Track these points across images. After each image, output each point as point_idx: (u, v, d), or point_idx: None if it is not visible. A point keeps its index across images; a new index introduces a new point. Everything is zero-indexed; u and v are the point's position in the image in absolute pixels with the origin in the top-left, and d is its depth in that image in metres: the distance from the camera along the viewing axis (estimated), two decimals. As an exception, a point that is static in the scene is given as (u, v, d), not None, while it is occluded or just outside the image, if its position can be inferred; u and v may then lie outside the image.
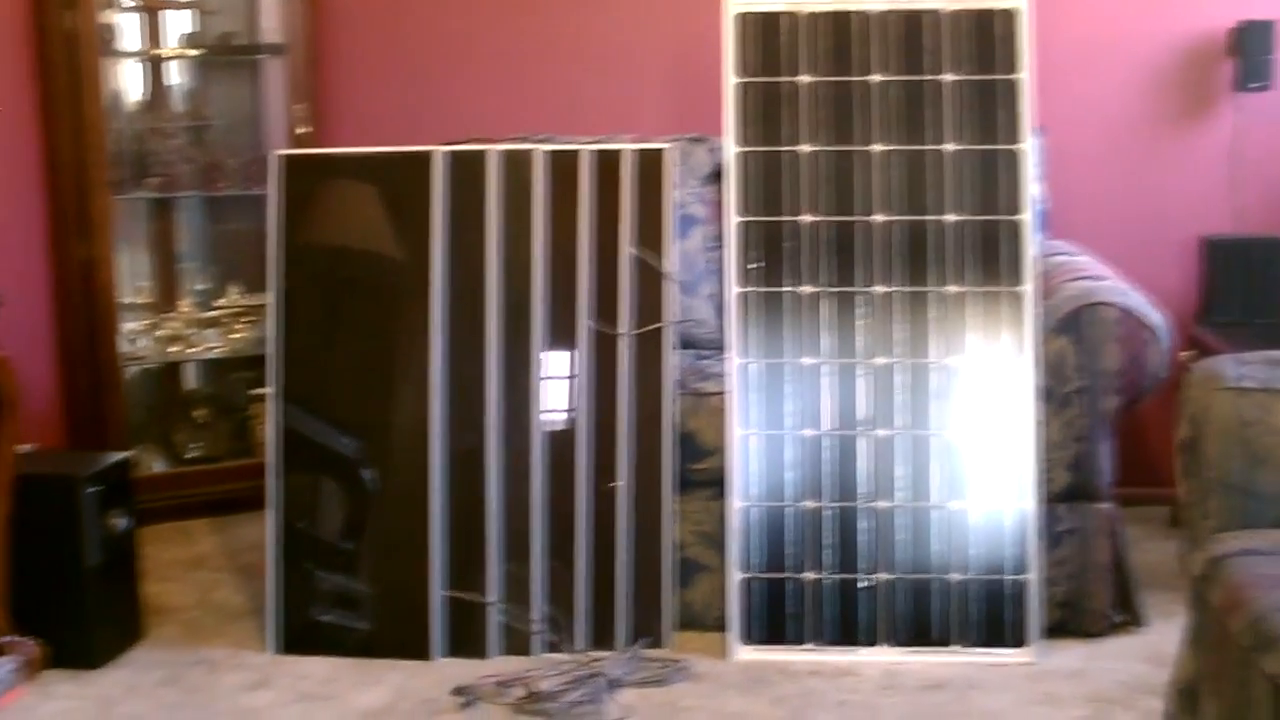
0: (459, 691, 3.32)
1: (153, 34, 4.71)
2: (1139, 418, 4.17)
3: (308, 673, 3.50)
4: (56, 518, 3.53)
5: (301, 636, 3.61)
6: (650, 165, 3.68)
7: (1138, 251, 4.41)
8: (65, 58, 4.35)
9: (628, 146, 3.70)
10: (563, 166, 3.68)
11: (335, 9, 4.81)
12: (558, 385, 3.64)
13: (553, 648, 3.56)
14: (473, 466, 3.61)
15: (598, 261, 3.65)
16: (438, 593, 3.57)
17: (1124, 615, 3.61)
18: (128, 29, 4.68)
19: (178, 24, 4.79)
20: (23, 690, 3.39)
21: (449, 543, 3.59)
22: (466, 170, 3.67)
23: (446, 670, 3.48)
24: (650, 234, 3.67)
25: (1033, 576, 3.47)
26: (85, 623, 3.55)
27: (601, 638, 3.58)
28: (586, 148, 3.70)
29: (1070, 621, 3.57)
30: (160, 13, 4.72)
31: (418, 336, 3.63)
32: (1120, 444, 3.84)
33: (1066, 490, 3.53)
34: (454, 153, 3.69)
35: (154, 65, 4.75)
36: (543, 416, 3.62)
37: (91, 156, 4.38)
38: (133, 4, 4.69)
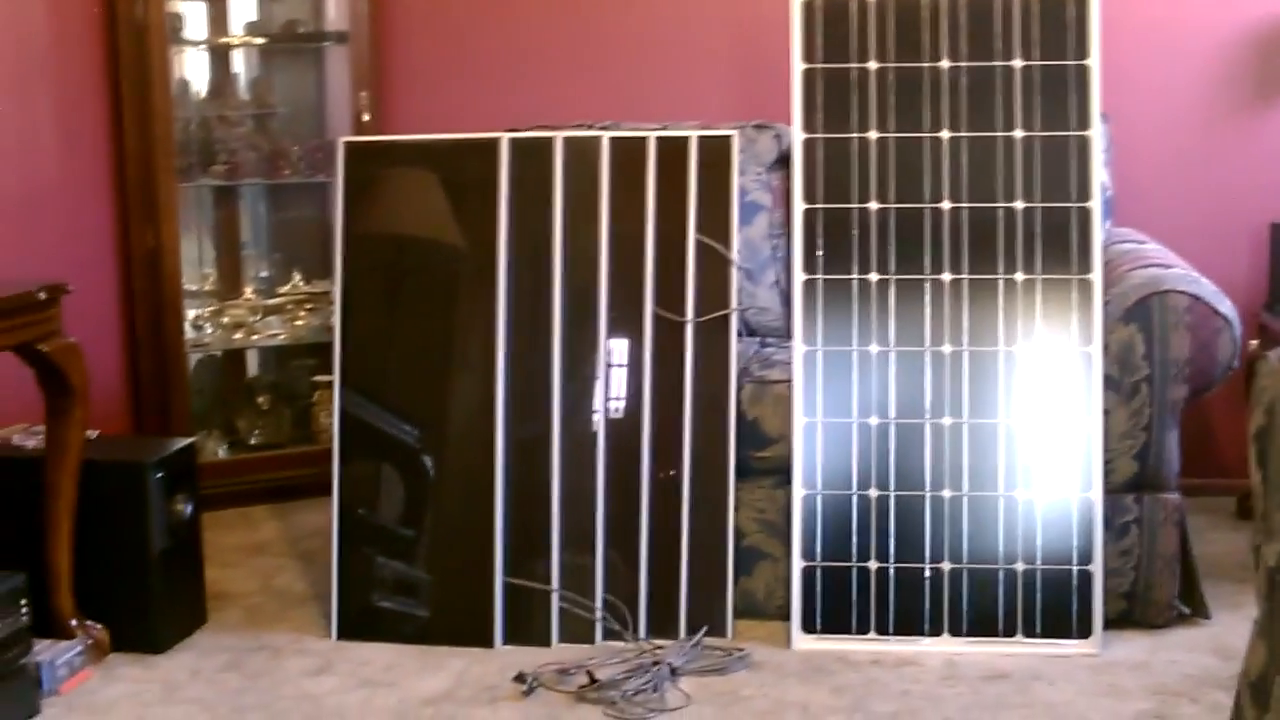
0: (520, 678, 3.31)
1: (218, 23, 4.74)
2: (1205, 407, 4.12)
3: (369, 659, 3.50)
4: (123, 503, 3.55)
5: (361, 622, 3.62)
6: (715, 151, 3.66)
7: (1206, 239, 4.36)
8: (134, 47, 4.39)
9: (693, 133, 3.68)
10: (628, 153, 3.67)
11: (399, -3, 4.85)
12: (621, 372, 3.63)
13: (614, 636, 3.55)
14: (534, 454, 3.60)
15: (662, 248, 3.64)
16: (499, 580, 3.57)
17: (1189, 607, 3.57)
18: (194, 18, 4.71)
19: (243, 12, 4.82)
20: (88, 673, 3.42)
21: (509, 531, 3.59)
22: (531, 157, 3.66)
23: (508, 658, 3.48)
24: (715, 220, 3.65)
25: (1097, 567, 3.43)
26: (150, 607, 3.57)
27: (662, 626, 3.57)
28: (652, 134, 3.69)
29: (1135, 613, 3.53)
30: (225, 1, 4.75)
31: (481, 324, 3.63)
32: (1185, 434, 3.79)
33: (1132, 480, 3.49)
34: (519, 139, 3.69)
35: (219, 54, 4.78)
36: (606, 404, 3.62)
37: (158, 145, 4.43)
38: (198, -8, 4.74)
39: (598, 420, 3.61)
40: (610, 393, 3.63)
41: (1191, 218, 4.48)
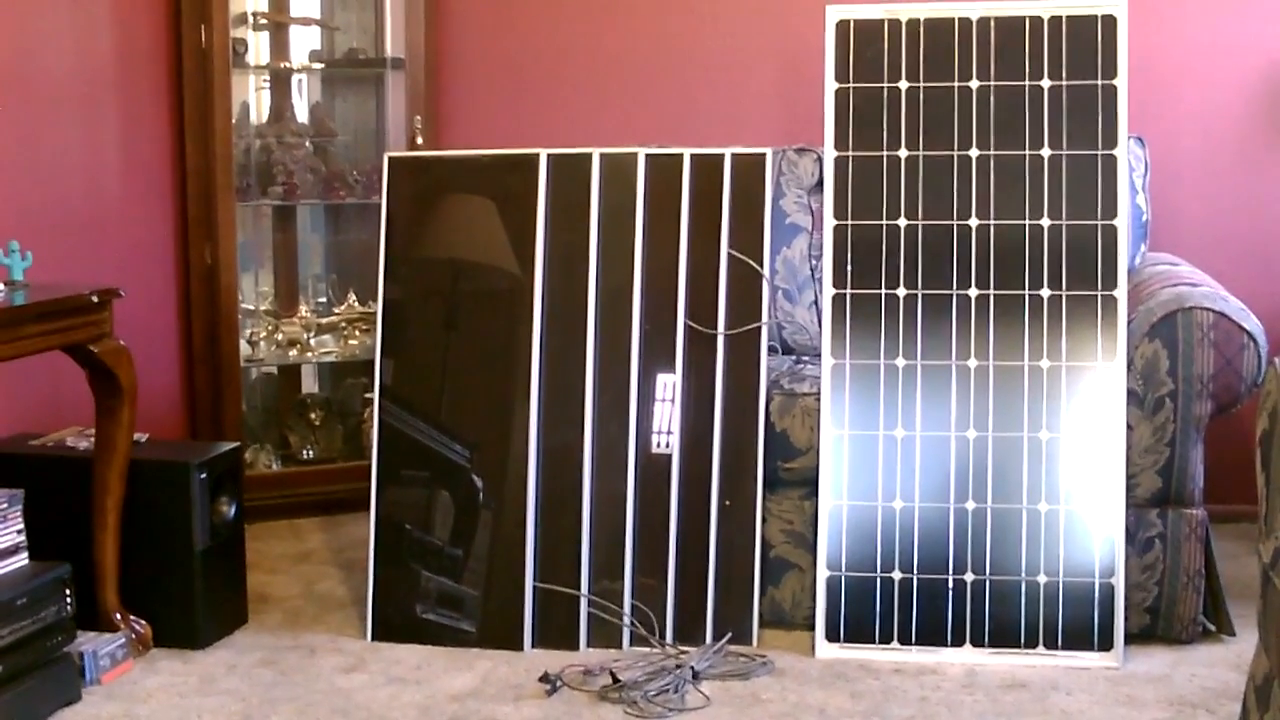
0: (544, 678, 3.37)
1: (280, 49, 4.88)
2: (1239, 431, 4.12)
3: (401, 659, 3.58)
4: (168, 502, 3.65)
5: (403, 631, 3.69)
6: (749, 168, 3.74)
7: (1245, 263, 4.37)
8: (197, 71, 4.53)
9: (727, 150, 3.76)
10: (663, 169, 3.75)
11: (452, 25, 4.95)
12: (667, 407, 3.69)
13: (641, 642, 3.60)
14: (569, 465, 3.67)
15: (695, 262, 3.71)
16: (529, 585, 3.63)
17: (1214, 624, 3.57)
18: (257, 44, 4.86)
19: (305, 40, 4.96)
20: (129, 665, 3.52)
21: (541, 538, 3.66)
22: (570, 172, 3.75)
23: (536, 660, 3.54)
24: (748, 236, 3.72)
25: (1118, 580, 3.44)
26: (192, 604, 3.66)
27: (689, 633, 3.62)
28: (687, 151, 3.77)
29: (1158, 627, 3.55)
30: (288, 29, 4.89)
31: (521, 337, 3.70)
32: (1226, 457, 3.80)
33: (1156, 495, 3.50)
34: (558, 155, 3.77)
35: (281, 79, 4.91)
36: (638, 415, 3.68)
37: (218, 165, 4.55)
38: (263, 21, 4.87)
39: (632, 431, 3.67)
40: (656, 427, 3.69)
41: (1230, 242, 4.48)
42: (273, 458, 4.85)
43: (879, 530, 3.55)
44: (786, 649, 3.58)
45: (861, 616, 3.53)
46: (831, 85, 3.70)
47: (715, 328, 3.69)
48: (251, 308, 4.89)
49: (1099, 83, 3.56)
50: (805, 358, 4.07)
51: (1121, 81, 3.56)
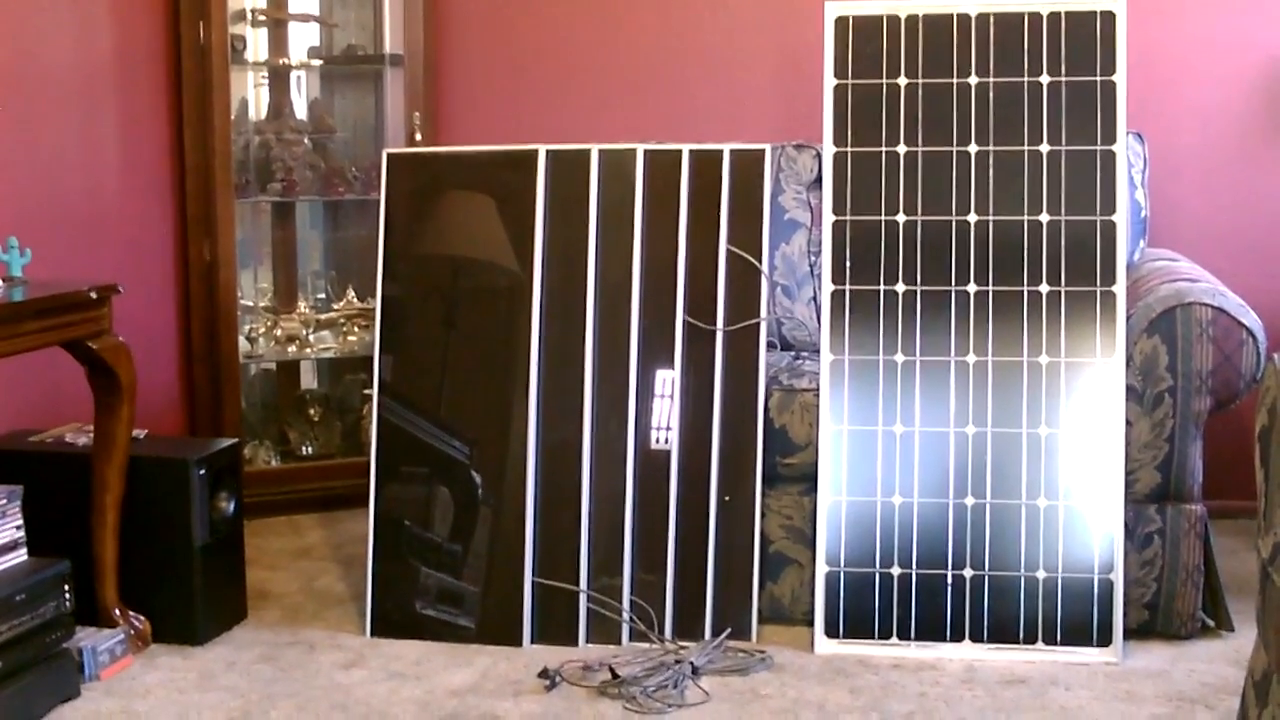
0: (544, 674, 3.37)
1: (279, 46, 4.88)
2: (1238, 427, 4.12)
3: (400, 654, 3.58)
4: (167, 498, 3.64)
5: (403, 627, 3.69)
6: (747, 164, 3.74)
7: (1246, 260, 4.37)
8: (196, 68, 4.54)
9: (725, 146, 3.76)
10: (662, 165, 3.75)
11: (451, 21, 4.95)
12: (666, 403, 3.69)
13: (640, 637, 3.61)
14: (568, 461, 3.67)
15: (694, 258, 3.71)
16: (528, 580, 3.63)
17: (1213, 619, 3.57)
18: (255, 41, 4.85)
19: (304, 37, 4.96)
20: (129, 661, 3.52)
21: (540, 534, 3.66)
22: (568, 168, 3.75)
23: (535, 655, 3.54)
24: (747, 232, 3.72)
25: (1118, 576, 3.45)
26: (191, 600, 3.66)
27: (688, 629, 3.62)
28: (685, 147, 3.77)
29: (1157, 623, 3.55)
30: (286, 26, 4.89)
31: (520, 333, 3.71)
32: (1225, 453, 3.80)
33: (1155, 491, 3.50)
34: (556, 151, 3.77)
35: (280, 75, 4.91)
36: (637, 411, 3.68)
37: (217, 161, 4.55)
38: (262, 18, 4.87)
39: (631, 427, 3.67)
40: (655, 423, 3.70)
41: (1229, 238, 4.49)
42: (272, 454, 4.85)
43: (878, 526, 3.55)
44: (786, 644, 3.58)
45: (860, 612, 3.54)
46: (830, 81, 3.70)
47: (714, 324, 3.69)
48: (251, 304, 4.89)
49: (1098, 79, 3.57)
50: (804, 353, 4.07)
51: (1120, 77, 3.56)
